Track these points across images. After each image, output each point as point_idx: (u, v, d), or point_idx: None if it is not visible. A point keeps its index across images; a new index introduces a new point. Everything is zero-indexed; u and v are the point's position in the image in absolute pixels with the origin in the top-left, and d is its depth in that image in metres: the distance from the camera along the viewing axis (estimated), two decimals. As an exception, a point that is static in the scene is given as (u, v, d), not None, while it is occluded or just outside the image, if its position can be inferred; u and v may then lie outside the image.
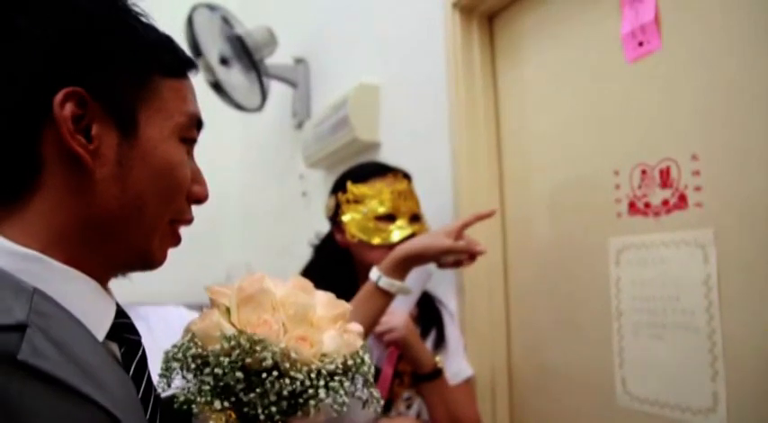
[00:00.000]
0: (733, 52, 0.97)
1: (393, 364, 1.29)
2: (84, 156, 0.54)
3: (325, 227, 1.47)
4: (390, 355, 1.29)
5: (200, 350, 0.54)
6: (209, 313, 0.57)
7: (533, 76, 1.41)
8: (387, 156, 1.82)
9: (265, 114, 2.48)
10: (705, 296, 0.99)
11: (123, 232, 0.58)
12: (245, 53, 2.19)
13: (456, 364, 1.37)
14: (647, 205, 1.11)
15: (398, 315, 1.25)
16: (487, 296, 1.47)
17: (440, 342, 1.37)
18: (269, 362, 0.51)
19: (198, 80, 0.66)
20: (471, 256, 1.18)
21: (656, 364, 1.08)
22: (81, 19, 0.56)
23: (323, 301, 0.62)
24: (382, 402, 0.59)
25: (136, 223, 0.58)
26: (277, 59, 2.35)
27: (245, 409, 0.52)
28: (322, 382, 0.52)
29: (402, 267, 1.13)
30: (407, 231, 1.31)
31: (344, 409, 0.53)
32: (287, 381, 0.51)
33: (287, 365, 0.52)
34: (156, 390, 0.58)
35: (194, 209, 0.66)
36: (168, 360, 0.55)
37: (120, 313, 0.60)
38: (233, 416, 0.54)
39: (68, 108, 0.53)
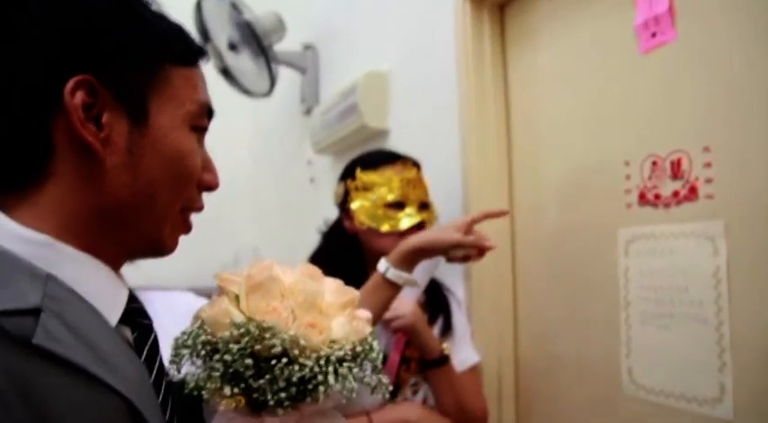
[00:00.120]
0: (748, 44, 0.96)
1: (400, 350, 1.30)
2: (95, 144, 0.54)
3: (333, 213, 1.48)
4: (397, 342, 1.30)
5: (209, 337, 0.54)
6: (219, 300, 0.58)
7: (544, 64, 1.40)
8: (395, 143, 1.81)
9: (274, 100, 2.48)
10: (714, 288, 0.99)
11: (135, 220, 0.58)
12: (254, 39, 2.18)
13: (463, 351, 1.37)
14: (656, 196, 1.10)
15: (406, 302, 1.25)
16: (495, 284, 1.48)
17: (447, 329, 1.37)
18: (278, 348, 0.51)
19: (206, 66, 0.66)
20: (480, 251, 1.18)
21: (663, 354, 1.08)
22: (92, 7, 0.56)
23: (331, 288, 0.62)
24: (391, 388, 0.60)
25: (147, 211, 0.59)
26: (286, 45, 2.34)
27: (255, 395, 0.52)
28: (331, 369, 0.52)
29: (410, 260, 1.13)
30: (416, 219, 1.32)
31: (354, 395, 0.54)
32: (296, 367, 0.51)
33: (296, 352, 0.52)
34: (167, 374, 0.59)
35: (203, 194, 0.66)
36: (178, 346, 0.56)
37: (133, 298, 0.61)
38: (242, 401, 0.54)
39: (79, 96, 0.53)
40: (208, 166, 0.65)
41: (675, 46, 1.07)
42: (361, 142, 2.01)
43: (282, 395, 0.52)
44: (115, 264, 0.60)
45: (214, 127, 0.66)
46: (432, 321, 1.36)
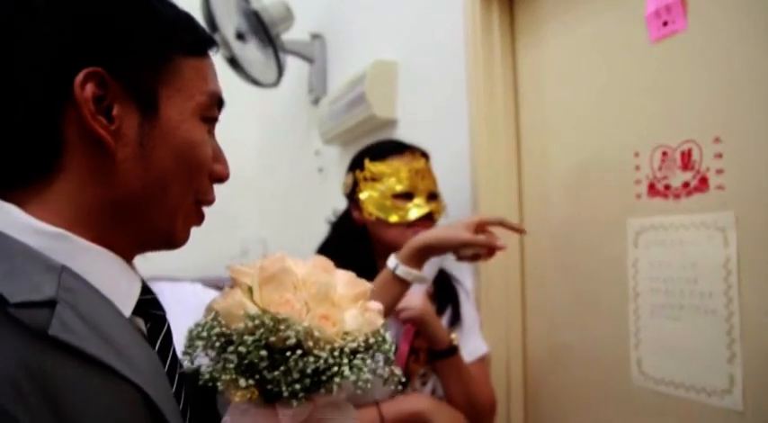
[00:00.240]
0: (760, 34, 0.94)
1: (409, 341, 1.30)
2: (106, 136, 0.54)
3: (341, 203, 1.48)
4: (406, 332, 1.31)
5: (223, 329, 0.55)
6: (232, 292, 0.58)
7: (554, 54, 1.39)
8: (404, 133, 1.81)
9: (281, 90, 2.48)
10: (724, 279, 0.99)
11: (147, 212, 0.59)
12: (262, 28, 2.18)
13: (471, 342, 1.38)
14: (666, 187, 1.10)
15: (415, 293, 1.26)
16: (504, 275, 1.48)
17: (455, 320, 1.38)
18: (292, 340, 0.52)
19: (215, 56, 0.66)
20: (490, 251, 1.18)
21: (672, 345, 1.08)
22: None
23: (344, 281, 0.62)
24: (403, 379, 0.60)
25: (159, 203, 0.59)
26: (293, 35, 2.33)
27: (269, 387, 0.53)
28: (345, 360, 0.53)
29: (420, 257, 1.14)
30: (425, 210, 1.32)
31: (368, 385, 0.54)
32: (310, 359, 0.52)
33: (310, 344, 0.52)
34: (181, 365, 0.60)
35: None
36: (192, 338, 0.56)
37: (146, 289, 0.61)
38: (256, 393, 0.55)
39: (89, 88, 0.53)
40: (218, 156, 0.65)
41: (686, 35, 1.06)
42: (369, 132, 2.00)
43: (297, 386, 0.52)
44: (128, 255, 0.60)
45: (221, 117, 0.66)
46: (440, 312, 1.36)
